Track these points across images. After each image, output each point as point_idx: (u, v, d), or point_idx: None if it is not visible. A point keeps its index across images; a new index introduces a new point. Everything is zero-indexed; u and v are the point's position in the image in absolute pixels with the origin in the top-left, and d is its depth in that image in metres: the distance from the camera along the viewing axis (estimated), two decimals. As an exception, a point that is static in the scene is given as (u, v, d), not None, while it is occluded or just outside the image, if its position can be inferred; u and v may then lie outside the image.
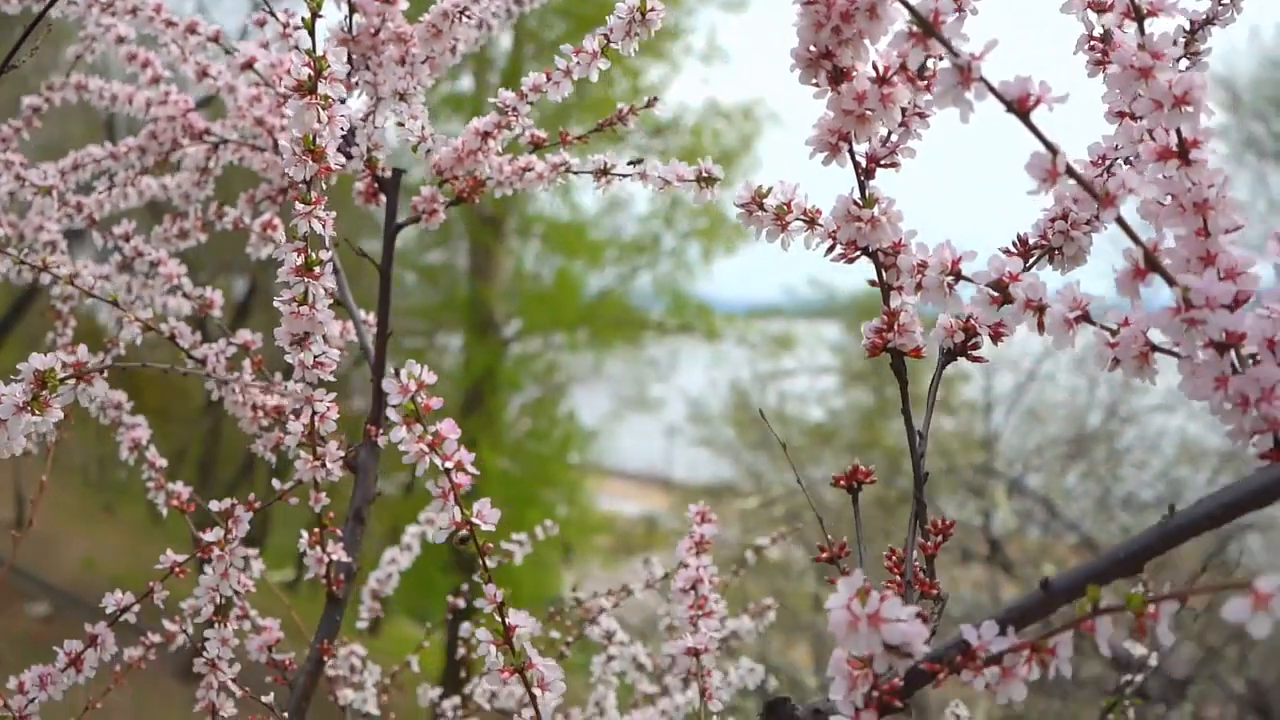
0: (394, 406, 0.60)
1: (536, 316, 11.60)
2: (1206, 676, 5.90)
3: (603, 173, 0.94)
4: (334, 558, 0.96)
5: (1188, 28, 0.73)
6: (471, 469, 0.62)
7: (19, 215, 1.29)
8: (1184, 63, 0.72)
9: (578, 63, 0.88)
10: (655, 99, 0.98)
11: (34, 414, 0.66)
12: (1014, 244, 0.68)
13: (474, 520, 0.63)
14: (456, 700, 1.33)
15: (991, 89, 0.49)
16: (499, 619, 0.64)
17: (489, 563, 0.63)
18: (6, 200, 1.16)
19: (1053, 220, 0.68)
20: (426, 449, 0.61)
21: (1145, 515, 6.41)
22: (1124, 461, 6.36)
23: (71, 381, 0.66)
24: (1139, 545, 0.50)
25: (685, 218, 11.95)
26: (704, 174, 0.83)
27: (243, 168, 1.21)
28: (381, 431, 0.95)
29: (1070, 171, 0.50)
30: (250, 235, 1.17)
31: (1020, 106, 0.50)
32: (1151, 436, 7.14)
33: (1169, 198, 0.54)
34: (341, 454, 0.89)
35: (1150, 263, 0.50)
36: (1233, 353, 0.52)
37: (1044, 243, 0.68)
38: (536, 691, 0.63)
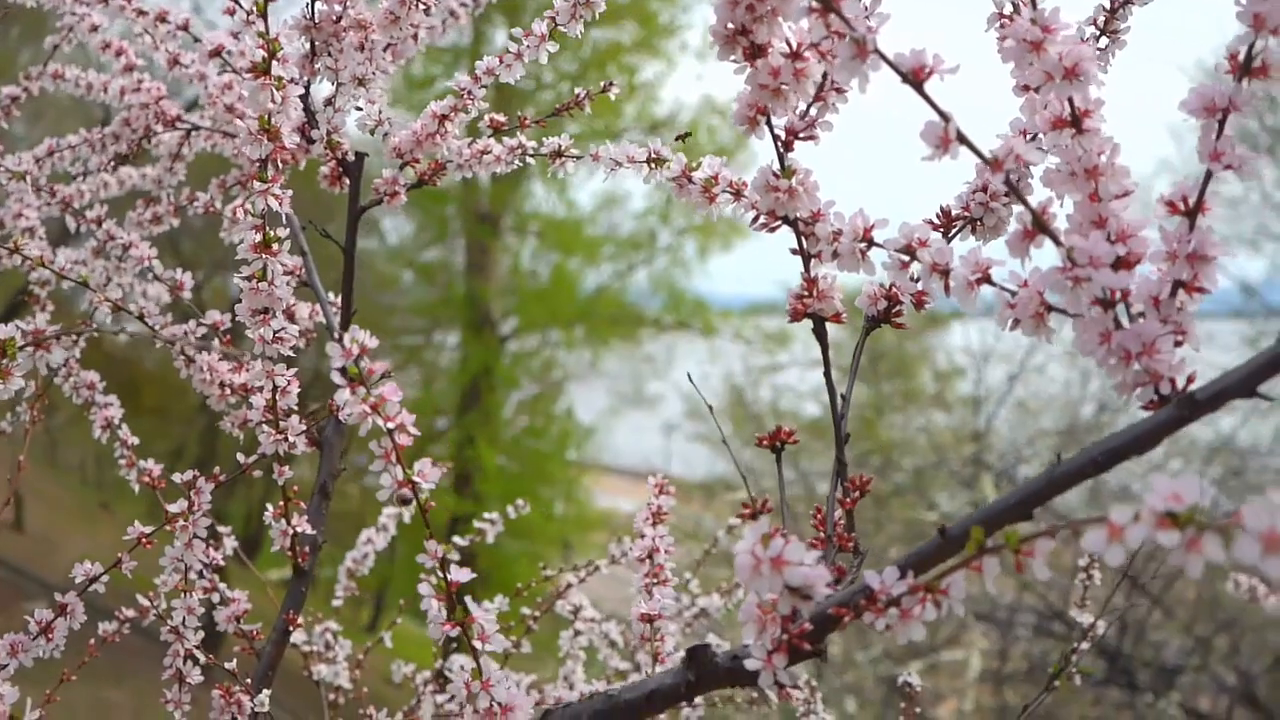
0: (338, 370, 0.63)
1: (533, 313, 11.63)
2: (1196, 667, 5.93)
3: (557, 155, 0.96)
4: (298, 530, 0.99)
5: (1108, 6, 0.76)
6: (413, 430, 0.65)
7: (-1, 205, 1.32)
8: (1104, 40, 0.75)
9: (527, 45, 0.91)
10: (611, 84, 1.01)
11: (-3, 381, 0.69)
12: (937, 215, 0.71)
13: (415, 479, 0.66)
14: (427, 674, 1.36)
15: (887, 60, 0.52)
16: (440, 575, 0.67)
17: (425, 518, 0.66)
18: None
19: (974, 192, 0.71)
20: (369, 410, 0.64)
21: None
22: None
23: (30, 349, 0.69)
24: (1027, 491, 0.53)
25: (681, 214, 11.99)
26: (653, 156, 0.85)
27: (216, 155, 1.24)
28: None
29: (961, 138, 0.53)
30: (222, 220, 1.20)
31: (915, 77, 0.53)
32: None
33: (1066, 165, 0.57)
34: (304, 428, 0.92)
35: (1038, 224, 0.53)
36: (1123, 309, 0.55)
37: (965, 214, 0.71)
38: (477, 644, 0.66)
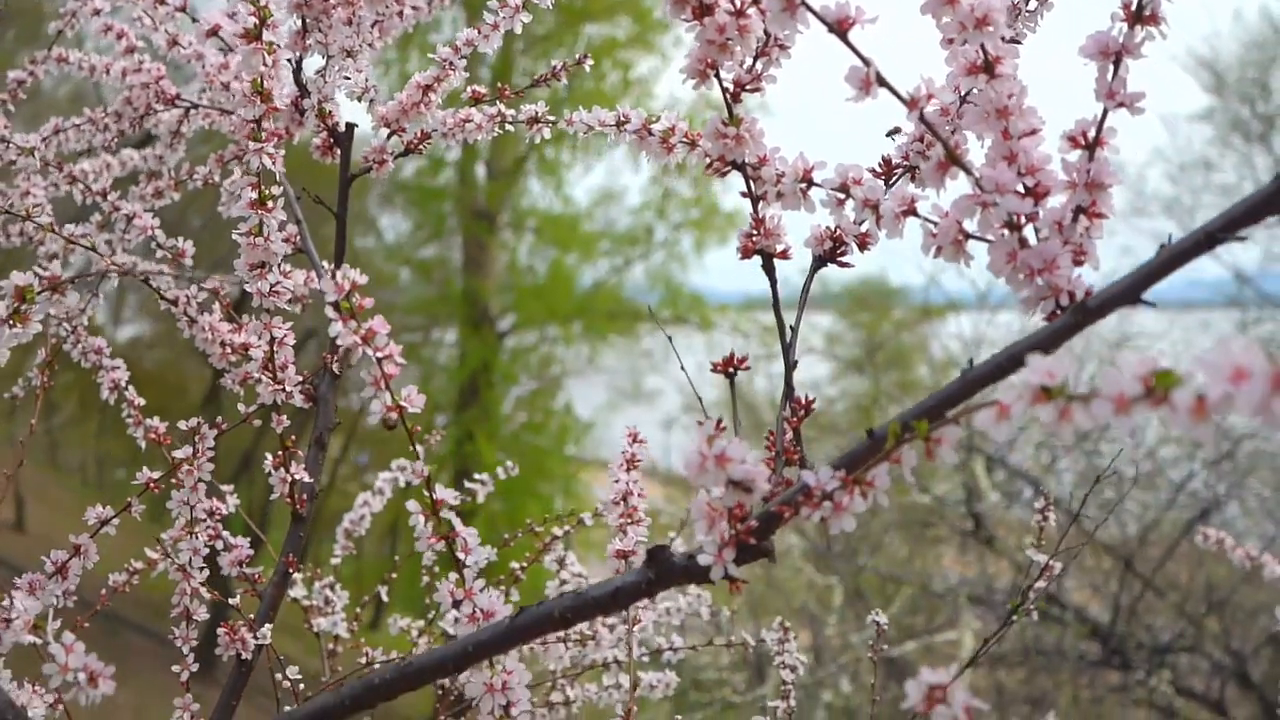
0: (330, 304, 0.70)
1: (531, 310, 11.69)
2: (1188, 648, 6.01)
3: (534, 120, 1.03)
4: (297, 478, 1.05)
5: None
6: (400, 359, 0.71)
7: (8, 185, 1.38)
8: (1033, 3, 0.81)
9: (503, 16, 0.97)
10: (586, 56, 1.07)
11: (16, 325, 0.76)
12: (879, 163, 0.78)
13: (402, 404, 0.72)
14: (421, 623, 1.42)
15: (813, 12, 0.59)
16: (427, 493, 0.73)
17: (417, 447, 0.73)
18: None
19: (912, 142, 0.77)
20: (360, 341, 0.71)
21: (1130, 491, 6.53)
22: (1104, 438, 6.47)
23: (47, 294, 0.76)
24: (944, 394, 0.59)
25: (678, 209, 12.04)
26: (622, 118, 0.92)
27: (214, 132, 1.30)
28: (337, 358, 1.04)
29: (881, 81, 0.59)
30: (219, 193, 1.26)
31: (840, 27, 0.59)
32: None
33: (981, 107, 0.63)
34: (299, 378, 0.99)
35: (951, 157, 0.60)
36: (1032, 233, 0.61)
37: (905, 162, 0.77)
38: (460, 555, 0.73)
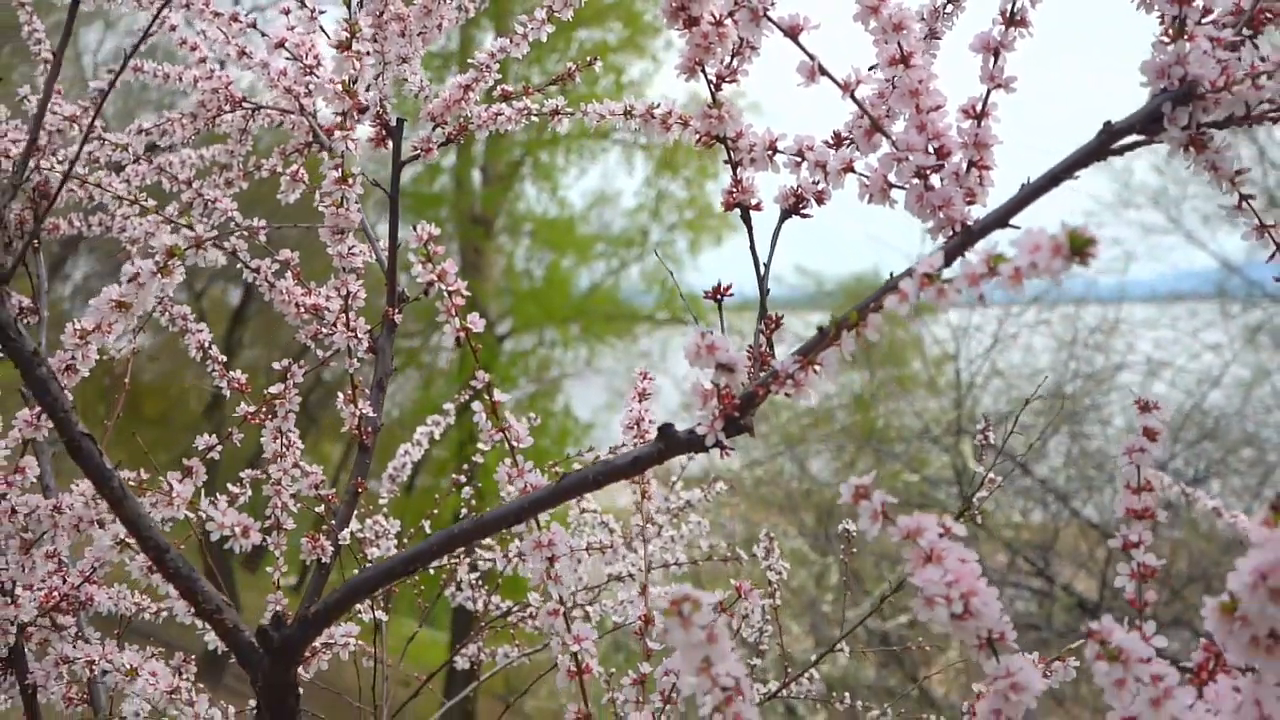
0: (412, 250, 0.91)
1: (528, 313, 11.90)
2: (1173, 621, 6.24)
3: (555, 113, 1.25)
4: (364, 413, 1.27)
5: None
6: (465, 292, 0.93)
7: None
8: (949, 7, 1.03)
9: (531, 28, 1.19)
10: (595, 58, 1.29)
11: (163, 277, 0.97)
12: (832, 135, 0.99)
13: (469, 326, 0.94)
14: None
15: (773, 21, 0.81)
16: (488, 396, 0.95)
17: (475, 354, 0.95)
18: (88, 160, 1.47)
19: (855, 119, 0.99)
20: (436, 279, 0.92)
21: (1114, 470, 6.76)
22: (1089, 419, 6.71)
23: (192, 250, 0.97)
24: (880, 291, 0.81)
25: (672, 210, 12.27)
26: (628, 109, 1.14)
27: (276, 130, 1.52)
28: (398, 312, 1.26)
29: (822, 71, 0.81)
30: (281, 182, 1.48)
31: (793, 32, 0.81)
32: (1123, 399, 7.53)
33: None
34: (369, 327, 1.20)
35: (875, 126, 0.82)
36: (937, 180, 0.83)
37: (849, 135, 0.99)
38: (514, 442, 0.95)
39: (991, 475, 1.36)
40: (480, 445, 1.85)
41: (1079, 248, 0.59)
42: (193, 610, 0.92)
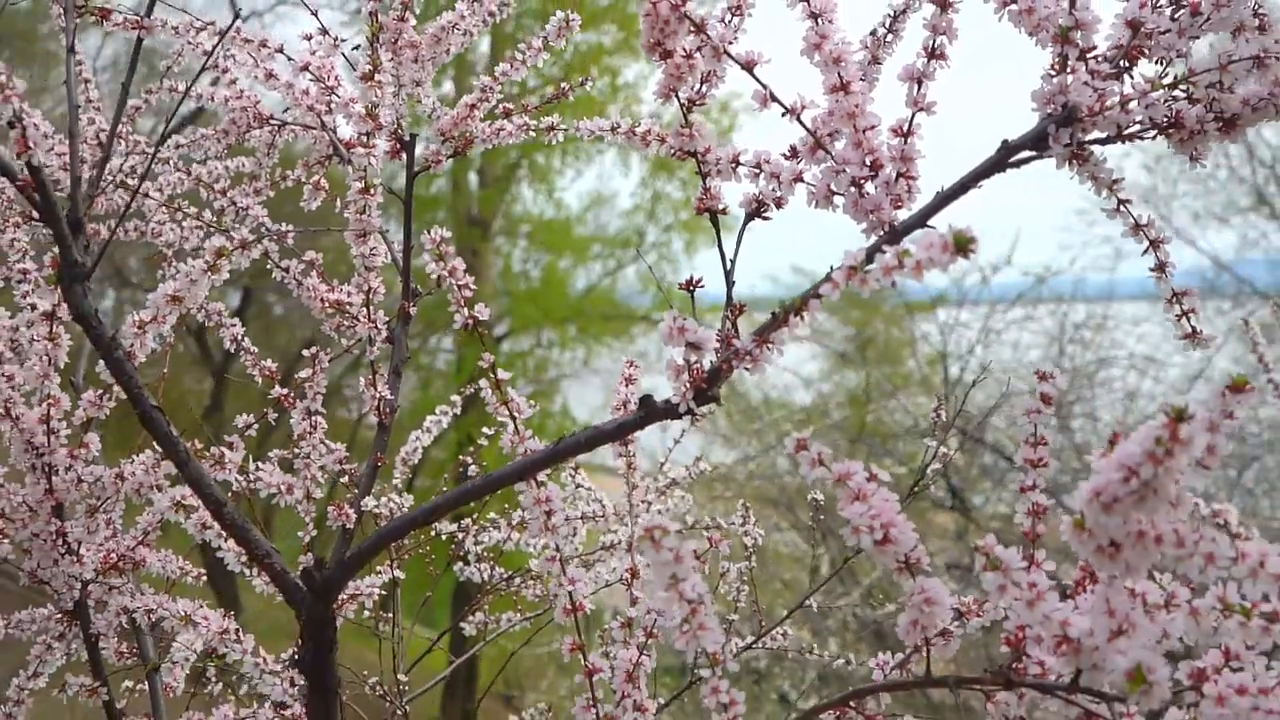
0: (426, 250, 1.07)
1: (526, 314, 12.05)
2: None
3: (551, 129, 1.41)
4: (383, 395, 1.43)
5: (892, 13, 1.20)
6: (472, 286, 1.09)
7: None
8: (889, 36, 1.19)
9: (530, 54, 1.36)
10: (588, 78, 1.46)
11: (212, 274, 1.13)
12: (789, 149, 1.15)
13: (475, 315, 1.10)
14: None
15: (731, 57, 0.97)
16: (493, 375, 1.11)
17: (482, 339, 1.10)
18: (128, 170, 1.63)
19: (804, 137, 1.15)
20: (446, 274, 1.08)
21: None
22: (1075, 413, 6.88)
23: (239, 250, 1.13)
24: (811, 289, 0.97)
25: (668, 211, 12.43)
26: (615, 125, 1.30)
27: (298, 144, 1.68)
28: (412, 305, 1.42)
29: (773, 97, 0.97)
30: (304, 191, 1.64)
31: (748, 65, 0.97)
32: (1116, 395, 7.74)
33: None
34: (388, 318, 1.36)
35: (818, 143, 0.98)
36: (871, 187, 0.99)
37: (802, 149, 1.15)
38: (515, 413, 1.11)
39: (949, 451, 1.52)
40: (484, 432, 2.03)
41: (962, 245, 0.75)
42: (244, 556, 1.08)
